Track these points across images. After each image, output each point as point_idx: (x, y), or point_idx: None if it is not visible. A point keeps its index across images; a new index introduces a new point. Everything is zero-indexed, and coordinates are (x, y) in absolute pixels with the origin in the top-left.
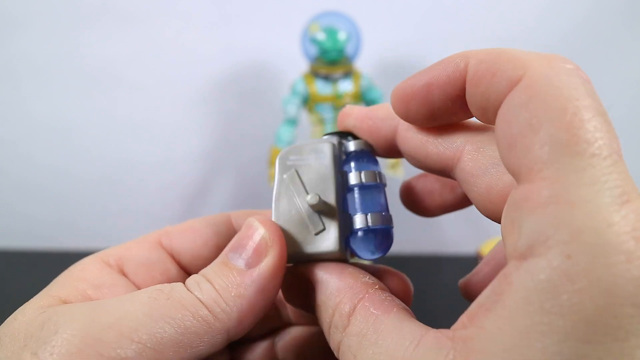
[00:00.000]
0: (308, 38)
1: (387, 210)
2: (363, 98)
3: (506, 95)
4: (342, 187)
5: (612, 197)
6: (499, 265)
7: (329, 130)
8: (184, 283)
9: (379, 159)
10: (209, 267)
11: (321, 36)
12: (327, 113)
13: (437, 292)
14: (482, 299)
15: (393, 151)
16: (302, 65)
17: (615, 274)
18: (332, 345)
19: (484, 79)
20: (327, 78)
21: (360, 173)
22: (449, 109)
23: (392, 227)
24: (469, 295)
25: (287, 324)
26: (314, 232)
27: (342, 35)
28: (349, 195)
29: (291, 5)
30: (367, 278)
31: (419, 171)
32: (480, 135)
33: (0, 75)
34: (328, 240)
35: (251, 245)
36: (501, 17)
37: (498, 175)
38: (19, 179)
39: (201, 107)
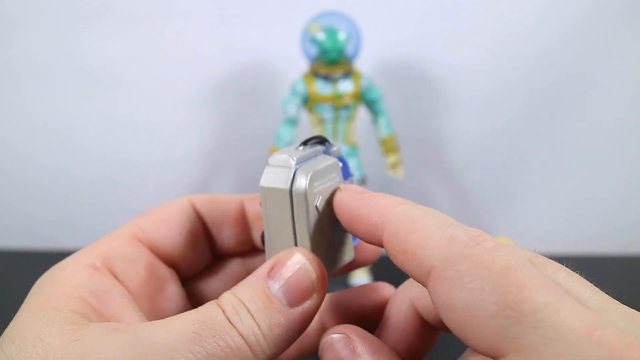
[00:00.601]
0: (308, 38)
1: None
2: (363, 98)
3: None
4: None
5: None
6: None
7: (329, 131)
8: (218, 305)
9: (379, 158)
10: (245, 288)
11: (321, 36)
12: (327, 113)
13: None
14: None
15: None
16: (302, 65)
17: None
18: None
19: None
20: (327, 78)
21: (351, 179)
22: None
23: None
24: None
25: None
26: (339, 248)
27: (342, 35)
28: None
29: (291, 5)
30: None
31: (419, 171)
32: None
33: (0, 75)
34: (349, 250)
35: (296, 281)
36: (501, 17)
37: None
38: (19, 179)
39: (201, 107)
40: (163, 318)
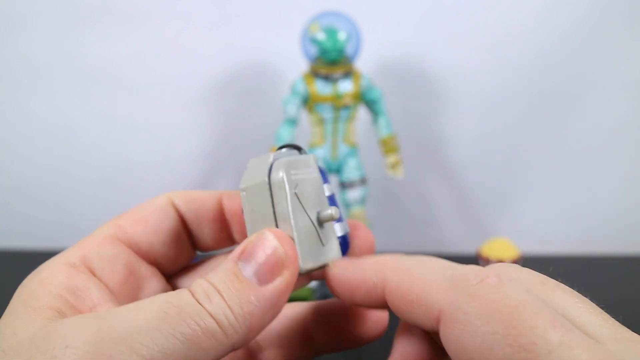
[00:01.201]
0: (308, 38)
1: None
2: (363, 98)
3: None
4: None
5: None
6: None
7: (329, 131)
8: (189, 289)
9: (379, 158)
10: (216, 273)
11: (321, 36)
12: (327, 113)
13: None
14: None
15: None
16: (302, 65)
17: None
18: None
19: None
20: (327, 78)
21: (328, 185)
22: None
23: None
24: None
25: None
26: (322, 243)
27: (342, 35)
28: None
29: (291, 5)
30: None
31: (419, 171)
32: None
33: (0, 75)
34: (334, 249)
35: (266, 259)
36: (501, 17)
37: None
38: (19, 179)
39: (201, 107)
40: None
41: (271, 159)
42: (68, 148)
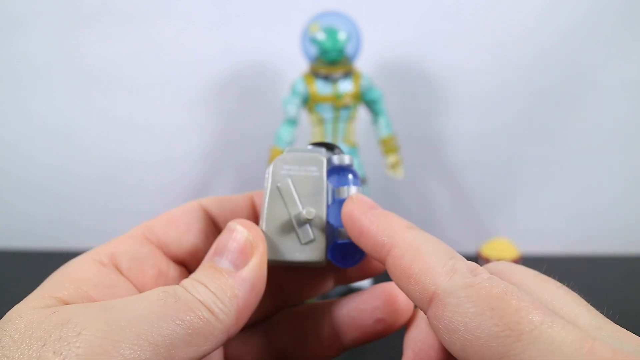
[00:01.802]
0: (308, 38)
1: None
2: (363, 98)
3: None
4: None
5: None
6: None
7: (329, 131)
8: (181, 284)
9: (379, 158)
10: (198, 272)
11: (321, 36)
12: (327, 113)
13: None
14: None
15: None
16: (302, 65)
17: None
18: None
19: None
20: (327, 78)
21: (353, 188)
22: None
23: None
24: None
25: (272, 311)
26: (302, 242)
27: (342, 35)
28: (333, 207)
29: (291, 5)
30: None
31: (419, 171)
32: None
33: (0, 75)
34: (317, 250)
35: (236, 247)
36: (501, 17)
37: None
38: (19, 179)
39: (201, 107)
40: None
41: (288, 150)
42: (68, 148)
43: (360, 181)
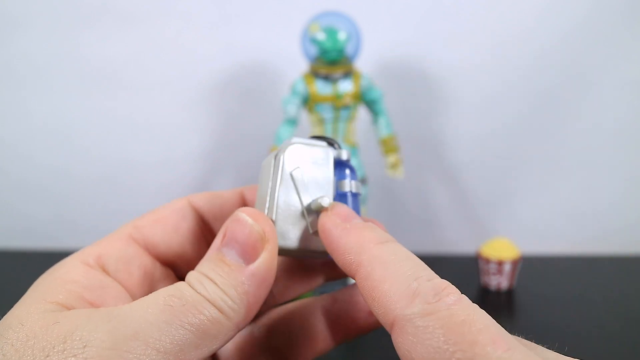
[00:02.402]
0: (308, 38)
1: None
2: (363, 98)
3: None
4: None
5: None
6: None
7: (329, 131)
8: (186, 281)
9: (379, 158)
10: (205, 263)
11: (321, 36)
12: (327, 113)
13: None
14: None
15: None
16: (302, 65)
17: None
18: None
19: None
20: (327, 78)
21: (353, 182)
22: None
23: None
24: None
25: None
26: (312, 231)
27: (342, 35)
28: (336, 199)
29: (291, 5)
30: None
31: (419, 171)
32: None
33: (0, 75)
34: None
35: (246, 240)
36: (501, 17)
37: None
38: (19, 179)
39: (201, 107)
40: None
41: (293, 139)
42: (68, 148)
43: (357, 176)
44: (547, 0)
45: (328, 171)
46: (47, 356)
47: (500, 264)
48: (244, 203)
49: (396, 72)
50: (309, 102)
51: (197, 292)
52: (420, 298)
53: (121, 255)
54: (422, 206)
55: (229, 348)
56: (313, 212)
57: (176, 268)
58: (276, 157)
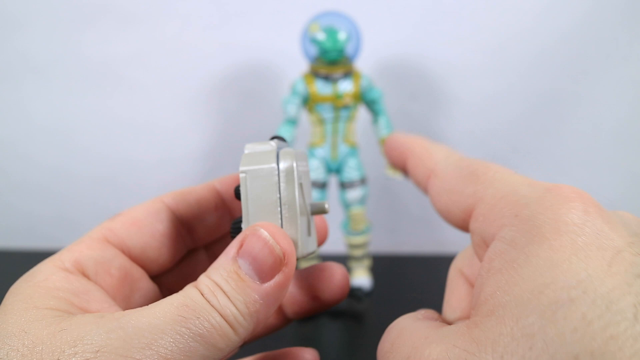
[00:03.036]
0: (308, 38)
1: None
2: (363, 98)
3: None
4: None
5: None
6: None
7: (329, 131)
8: (197, 288)
9: (379, 158)
10: (218, 271)
11: (321, 36)
12: (327, 113)
13: (437, 292)
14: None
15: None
16: (302, 65)
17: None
18: None
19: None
20: (327, 78)
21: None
22: None
23: None
24: None
25: None
26: (310, 234)
27: (342, 35)
28: None
29: (291, 5)
30: None
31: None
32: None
33: (0, 75)
34: (314, 240)
35: (264, 259)
36: (501, 16)
37: None
38: (19, 179)
39: (201, 107)
40: None
41: (274, 146)
42: (68, 148)
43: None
44: (546, 0)
45: (308, 172)
46: (57, 359)
47: None
48: (218, 196)
49: (396, 72)
50: (309, 102)
51: (210, 304)
52: (452, 157)
53: (99, 258)
54: (422, 206)
55: None
56: (310, 215)
57: (147, 268)
58: (280, 167)
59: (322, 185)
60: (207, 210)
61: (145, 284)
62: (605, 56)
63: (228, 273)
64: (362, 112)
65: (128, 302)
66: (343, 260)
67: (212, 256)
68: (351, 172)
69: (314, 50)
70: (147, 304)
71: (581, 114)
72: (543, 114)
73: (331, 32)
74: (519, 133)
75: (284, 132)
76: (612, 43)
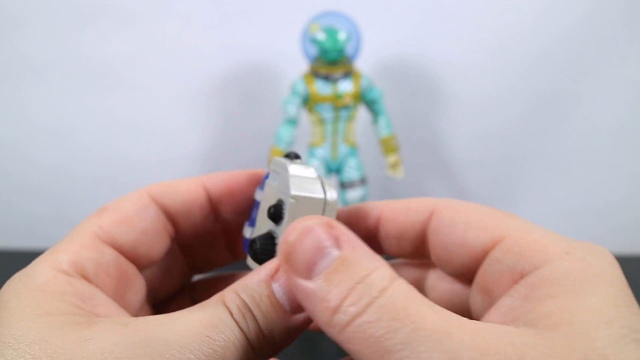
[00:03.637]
0: (308, 38)
1: None
2: (363, 98)
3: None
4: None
5: None
6: None
7: (329, 131)
8: (226, 305)
9: (379, 158)
10: (250, 292)
11: (321, 36)
12: (327, 113)
13: None
14: None
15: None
16: (302, 65)
17: None
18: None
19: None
20: (327, 78)
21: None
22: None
23: None
24: None
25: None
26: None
27: (342, 35)
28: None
29: (291, 5)
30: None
31: (419, 171)
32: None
33: (0, 75)
34: None
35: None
36: (501, 16)
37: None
38: (19, 179)
39: (201, 107)
40: (132, 312)
41: (315, 173)
42: (68, 148)
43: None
44: (546, 0)
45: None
46: None
47: None
48: (207, 195)
49: (396, 72)
50: (309, 102)
51: (240, 328)
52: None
53: (96, 258)
54: None
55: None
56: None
57: (138, 264)
58: (327, 200)
59: None
60: (193, 206)
61: (138, 280)
62: (605, 56)
63: (260, 297)
64: (362, 112)
65: (123, 300)
66: None
67: (185, 246)
68: (351, 172)
69: (314, 50)
70: (140, 300)
71: (581, 114)
72: (543, 114)
73: (331, 32)
74: (519, 133)
75: (284, 132)
76: (612, 43)
